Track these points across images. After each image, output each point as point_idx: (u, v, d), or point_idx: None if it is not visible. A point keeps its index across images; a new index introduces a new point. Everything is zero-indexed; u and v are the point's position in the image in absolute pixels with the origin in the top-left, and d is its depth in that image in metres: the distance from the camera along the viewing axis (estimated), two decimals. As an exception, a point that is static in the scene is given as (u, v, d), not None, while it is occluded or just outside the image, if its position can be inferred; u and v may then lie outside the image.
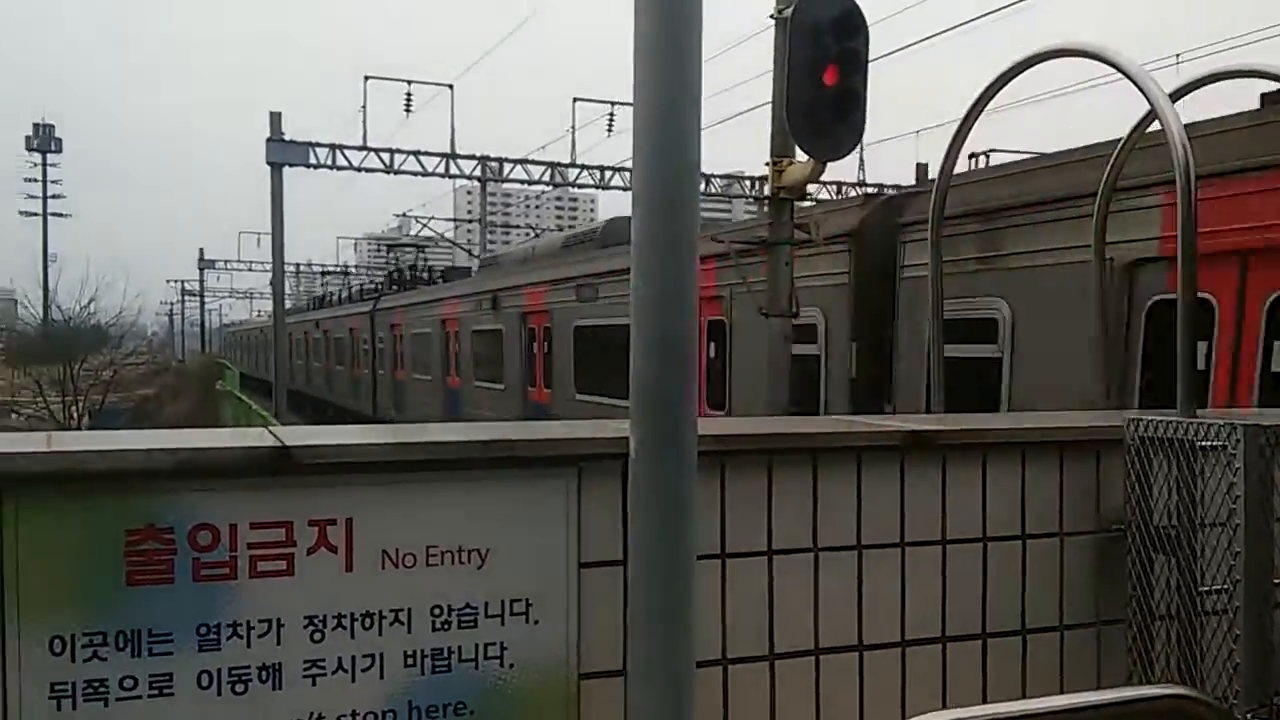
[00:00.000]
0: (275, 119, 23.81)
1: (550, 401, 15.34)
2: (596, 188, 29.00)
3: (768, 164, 8.44)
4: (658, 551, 2.25)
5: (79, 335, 44.42)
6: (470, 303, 19.31)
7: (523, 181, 28.88)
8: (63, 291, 49.77)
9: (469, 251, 40.17)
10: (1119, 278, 6.12)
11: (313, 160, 24.45)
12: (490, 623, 2.58)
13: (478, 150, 27.09)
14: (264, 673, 2.39)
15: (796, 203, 8.61)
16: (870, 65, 7.59)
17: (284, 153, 23.97)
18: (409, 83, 26.48)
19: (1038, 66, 3.92)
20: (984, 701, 3.00)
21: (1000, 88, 3.95)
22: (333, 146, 24.75)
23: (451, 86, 26.96)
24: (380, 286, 35.34)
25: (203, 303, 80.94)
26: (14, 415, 37.37)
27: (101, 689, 2.26)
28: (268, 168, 24.06)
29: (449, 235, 45.40)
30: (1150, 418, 3.01)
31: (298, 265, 62.74)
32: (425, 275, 33.14)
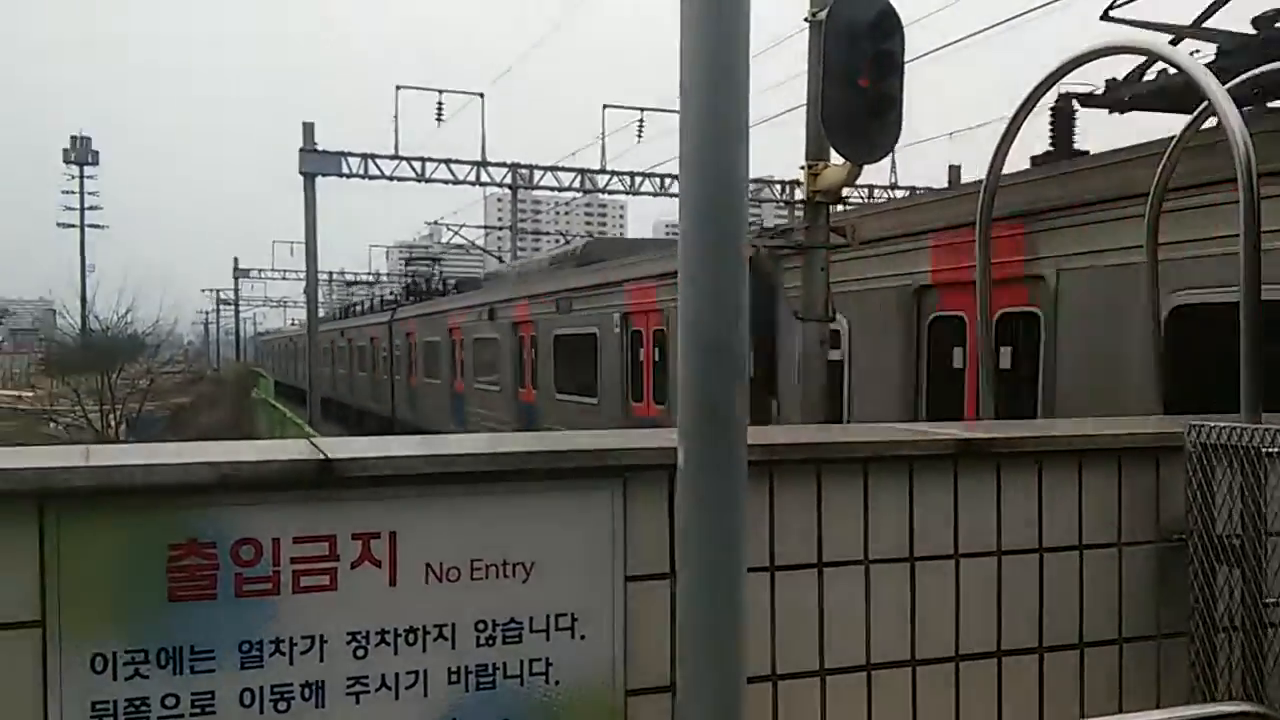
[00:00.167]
0: (309, 129, 23.96)
1: (536, 401, 16.98)
2: (626, 193, 29.00)
3: (802, 167, 8.35)
4: (707, 564, 2.19)
5: (116, 345, 44.86)
6: (473, 314, 20.89)
7: (553, 188, 28.91)
8: (100, 302, 50.34)
9: (499, 259, 40.29)
10: (909, 300, 8.24)
11: (345, 170, 24.58)
12: (535, 638, 2.52)
13: (508, 158, 27.15)
14: (307, 690, 2.34)
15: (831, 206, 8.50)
16: (906, 67, 7.49)
17: (317, 163, 24.12)
18: (440, 92, 26.59)
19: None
20: (1041, 719, 2.91)
21: (1049, 87, 3.87)
22: (365, 156, 24.88)
23: (482, 95, 27.03)
24: (399, 297, 37.04)
25: (237, 311, 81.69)
26: (52, 424, 37.78)
27: (143, 708, 2.22)
28: (299, 174, 24.22)
29: (479, 243, 45.53)
30: (1213, 424, 2.91)
31: (330, 274, 63.11)
32: (440, 287, 34.46)
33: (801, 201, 8.70)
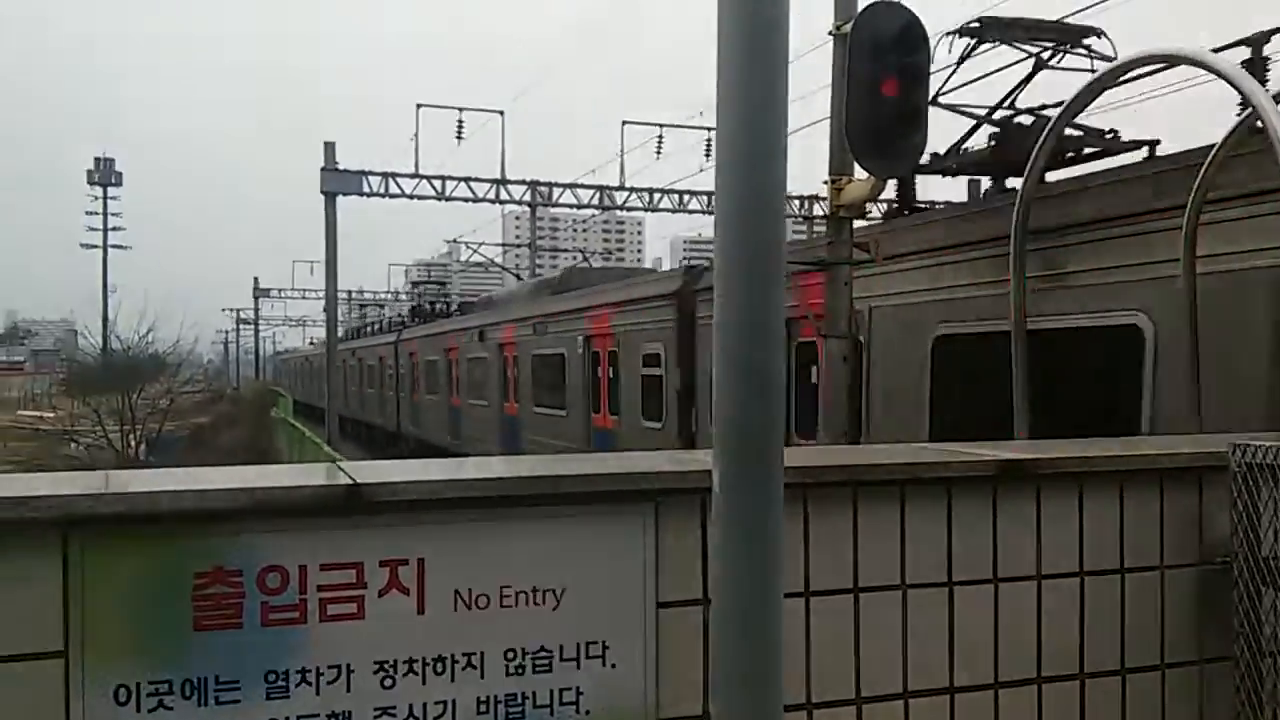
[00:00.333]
0: (329, 149, 24.04)
1: (518, 414, 18.92)
2: (645, 210, 29.01)
3: (826, 182, 8.30)
4: (742, 590, 2.13)
5: (137, 365, 45.10)
6: (467, 335, 22.90)
7: (572, 205, 28.95)
8: (121, 322, 50.61)
9: (518, 276, 40.41)
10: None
11: (366, 189, 24.64)
12: (565, 666, 2.47)
13: (528, 175, 27.20)
14: (334, 721, 2.29)
15: (854, 221, 8.44)
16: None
17: (338, 182, 24.19)
18: (460, 110, 26.68)
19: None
20: (1084, 746, 2.84)
21: (1089, 101, 3.80)
22: (385, 175, 24.95)
23: (502, 113, 27.11)
24: (405, 319, 39.01)
25: (257, 331, 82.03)
26: (73, 444, 37.95)
27: (168, 740, 2.17)
28: (321, 195, 24.30)
29: (498, 260, 45.65)
30: (1258, 443, 2.84)
31: (350, 292, 63.37)
32: (444, 308, 36.82)
33: (823, 216, 8.64)
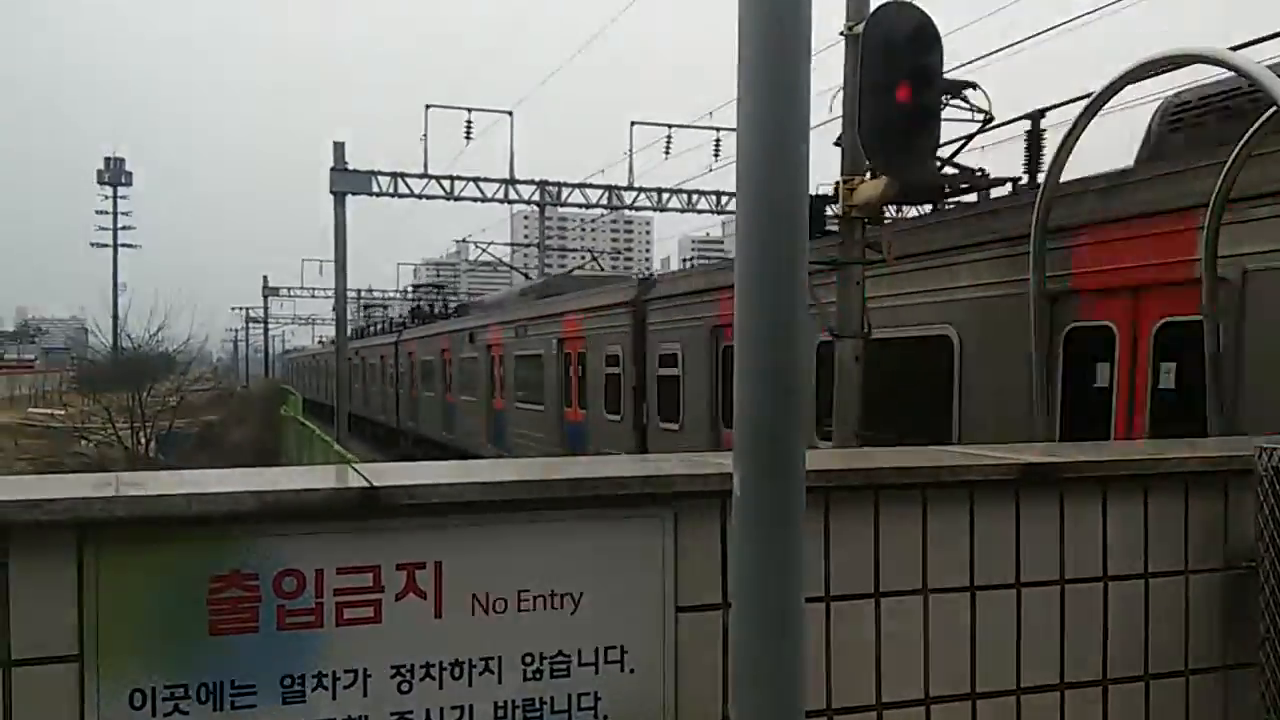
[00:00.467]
0: (339, 149, 24.08)
1: (504, 408, 20.67)
2: (653, 210, 28.99)
3: (838, 183, 8.25)
4: (763, 595, 2.10)
5: (147, 363, 45.20)
6: (459, 337, 24.55)
7: (581, 205, 28.95)
8: (132, 320, 50.73)
9: (526, 275, 40.45)
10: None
11: (375, 189, 24.68)
12: (583, 671, 2.44)
13: (536, 175, 27.20)
14: (350, 726, 2.27)
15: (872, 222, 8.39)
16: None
17: (347, 182, 24.22)
18: (469, 110, 26.66)
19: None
20: (1107, 753, 2.80)
21: (1108, 98, 3.76)
22: (395, 175, 24.98)
23: (511, 113, 27.10)
24: (405, 320, 40.96)
25: (266, 329, 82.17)
26: (83, 442, 38.03)
27: (183, 745, 2.15)
28: (329, 193, 24.33)
29: (506, 259, 45.64)
30: (1285, 447, 2.80)
31: (359, 291, 63.45)
32: (443, 310, 38.23)
33: (836, 217, 8.60)
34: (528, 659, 2.39)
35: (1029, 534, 2.76)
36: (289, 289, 68.86)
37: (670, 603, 2.49)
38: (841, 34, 8.08)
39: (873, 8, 7.67)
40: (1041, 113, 8.99)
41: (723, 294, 11.19)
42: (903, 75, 7.23)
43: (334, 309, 28.35)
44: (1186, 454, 2.97)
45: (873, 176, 7.99)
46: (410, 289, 56.64)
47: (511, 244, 56.29)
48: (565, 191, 28.07)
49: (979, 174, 8.43)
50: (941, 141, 7.54)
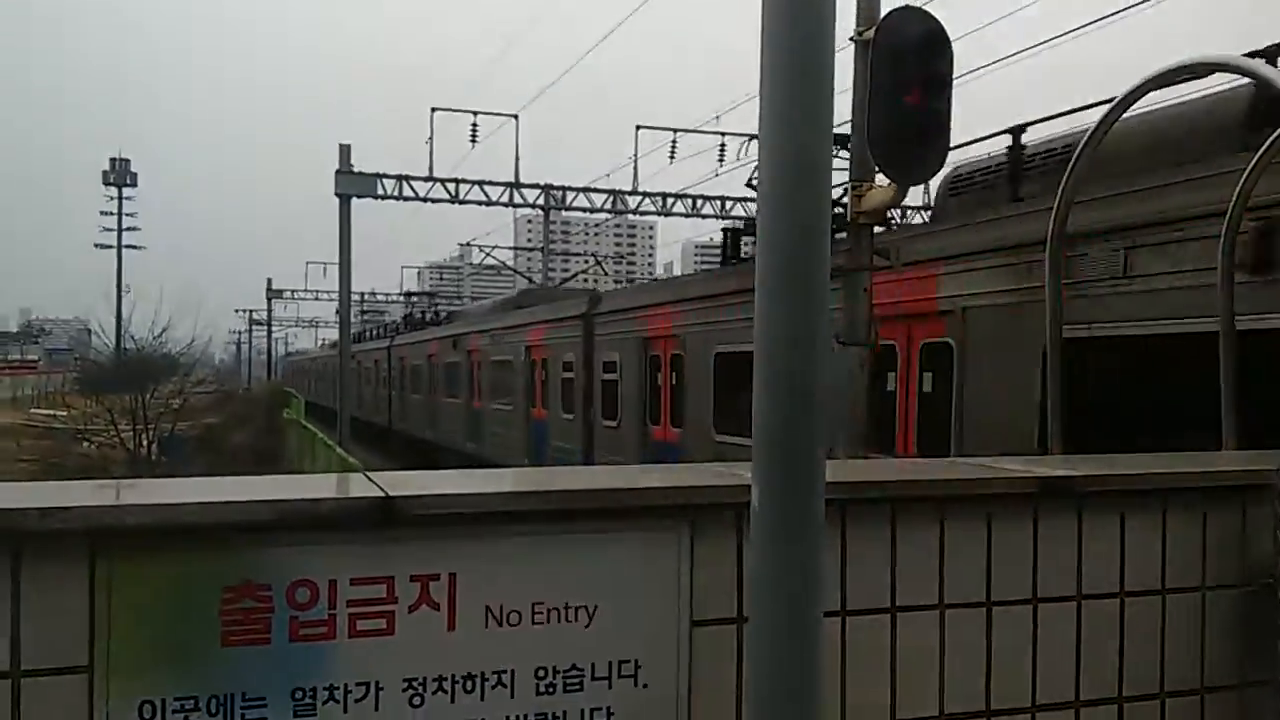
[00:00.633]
0: (344, 151, 24.10)
1: (481, 409, 23.00)
2: (658, 214, 28.98)
3: (846, 188, 8.24)
4: (781, 610, 2.08)
5: (150, 364, 45.18)
6: (445, 343, 26.88)
7: (585, 209, 28.95)
8: (136, 322, 50.66)
9: (529, 279, 40.48)
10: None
11: (380, 191, 24.69)
12: (597, 685, 2.41)
13: (541, 179, 27.21)
14: (362, 739, 2.24)
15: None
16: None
17: (352, 184, 24.24)
18: (475, 114, 26.67)
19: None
20: (1124, 771, 2.77)
21: (1125, 109, 3.74)
22: (400, 177, 24.99)
23: (516, 117, 27.10)
24: (399, 326, 43.57)
25: (269, 332, 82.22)
26: (85, 443, 38.00)
27: (193, 758, 2.12)
28: (334, 195, 24.34)
29: (510, 263, 45.64)
30: (1305, 463, 2.77)
31: (362, 294, 63.42)
32: (434, 317, 40.21)
33: (845, 221, 8.58)
34: (541, 672, 2.36)
35: (1046, 549, 2.74)
36: (292, 291, 68.91)
37: (685, 616, 2.47)
38: (851, 39, 8.07)
39: (883, 13, 7.68)
40: (1022, 128, 9.37)
41: (651, 311, 13.91)
42: (912, 81, 7.21)
43: (337, 311, 28.38)
44: (1207, 468, 2.95)
45: (881, 182, 7.97)
46: (405, 295, 58.43)
47: (515, 247, 56.35)
48: (570, 195, 28.08)
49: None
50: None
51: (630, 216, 31.75)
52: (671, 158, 28.26)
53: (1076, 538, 2.76)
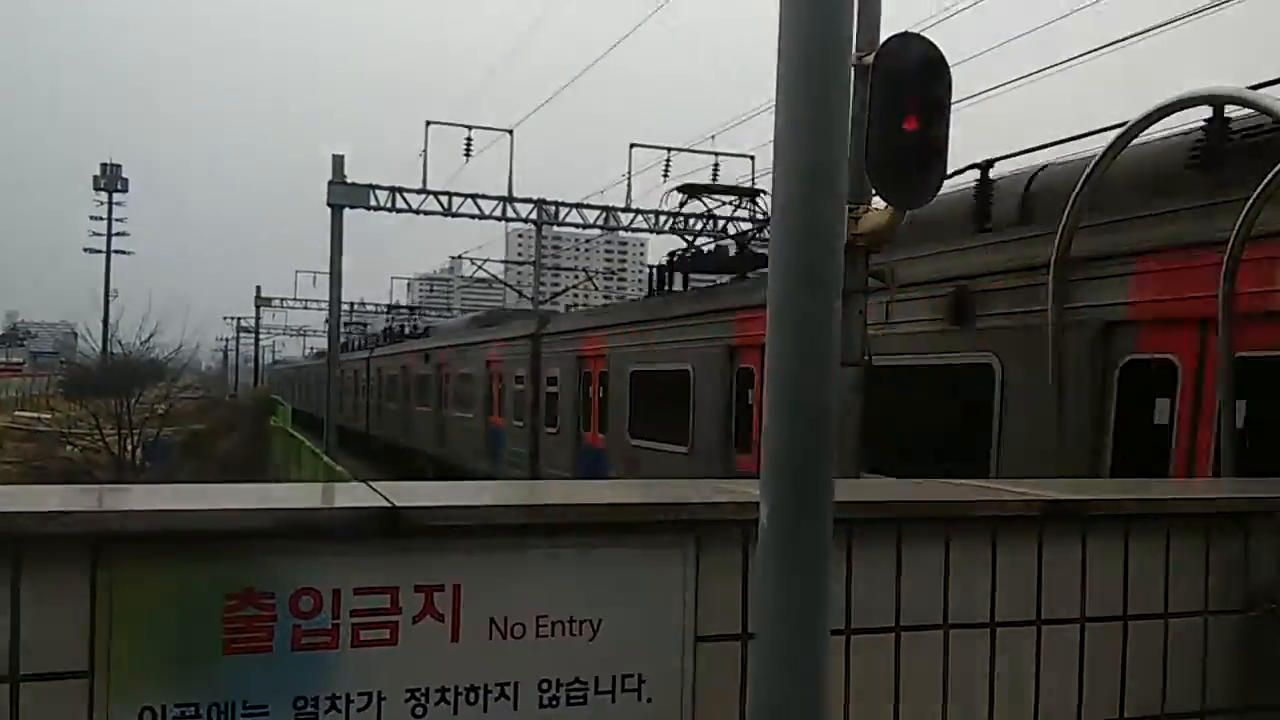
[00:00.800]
0: (338, 162, 24.02)
1: (448, 417, 24.99)
2: (650, 231, 28.97)
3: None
4: (788, 628, 2.06)
5: (136, 369, 44.91)
6: (419, 357, 28.84)
7: (578, 225, 28.92)
8: (123, 327, 50.36)
9: (520, 293, 40.49)
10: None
11: (373, 202, 24.61)
12: (600, 699, 2.39)
13: (534, 194, 27.17)
14: (364, 751, 2.21)
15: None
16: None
17: (345, 195, 24.15)
18: (469, 128, 26.65)
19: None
20: (1124, 795, 2.76)
21: (1130, 139, 3.75)
22: (393, 189, 24.91)
23: (511, 132, 27.09)
24: (379, 339, 45.89)
25: (257, 340, 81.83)
26: (69, 446, 37.74)
27: (193, 766, 2.09)
28: (325, 204, 24.26)
29: (500, 277, 45.63)
30: (1309, 490, 2.78)
31: (351, 305, 63.24)
32: (414, 331, 42.26)
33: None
34: (544, 685, 2.34)
35: (1051, 571, 2.73)
36: (281, 299, 68.67)
37: (690, 632, 2.45)
38: (851, 64, 8.07)
39: (882, 39, 7.70)
40: (990, 163, 9.48)
41: (585, 334, 16.31)
42: (911, 106, 7.23)
43: (327, 321, 28.29)
44: (1212, 494, 2.95)
45: (878, 205, 7.98)
46: (388, 308, 59.79)
47: (506, 261, 56.30)
48: (563, 211, 28.06)
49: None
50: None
51: (620, 233, 31.76)
52: (665, 175, 28.31)
53: (1080, 561, 2.76)
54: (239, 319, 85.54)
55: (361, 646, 2.20)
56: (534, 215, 27.83)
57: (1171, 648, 2.86)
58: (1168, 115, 3.72)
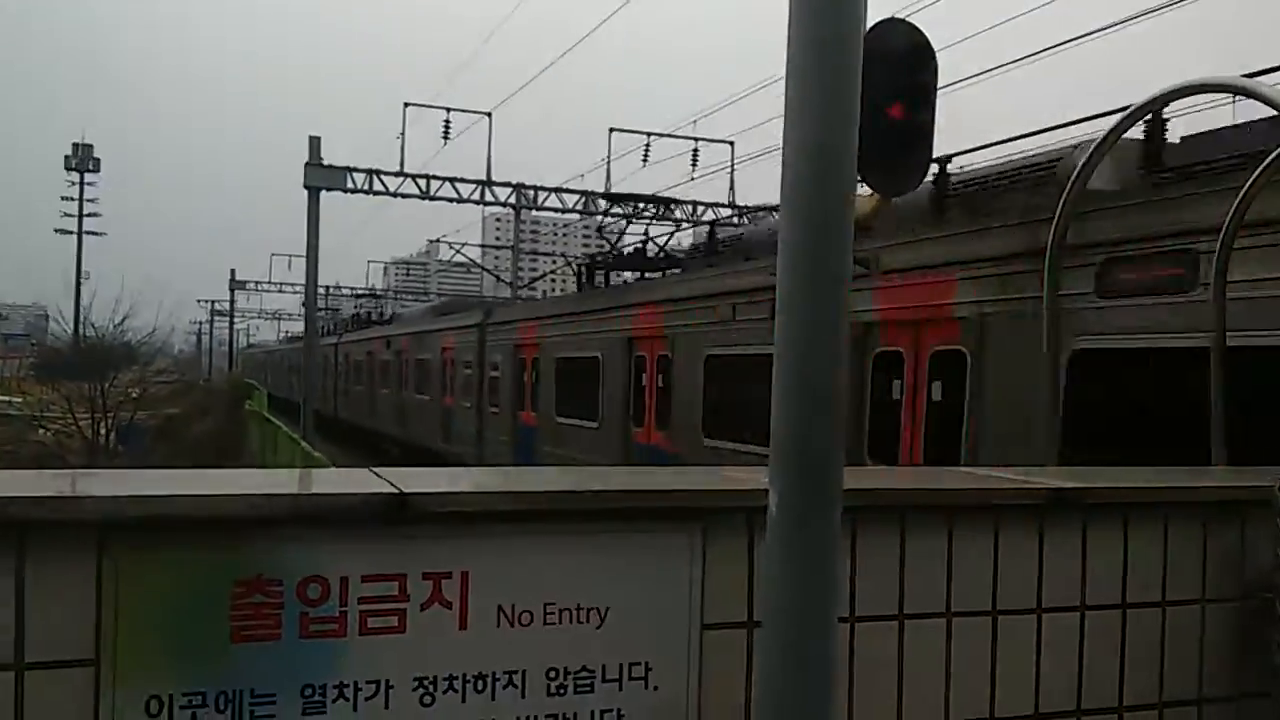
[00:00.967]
0: (314, 144, 23.82)
1: (408, 398, 26.97)
2: (628, 218, 28.89)
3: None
4: (796, 615, 2.06)
5: (109, 352, 44.52)
6: (380, 343, 31.49)
7: (557, 209, 28.84)
8: (96, 310, 49.91)
9: (497, 277, 40.40)
10: None
11: (350, 185, 24.45)
12: (607, 687, 2.39)
13: (513, 178, 27.06)
14: (371, 738, 2.20)
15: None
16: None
17: (322, 177, 23.97)
18: (448, 110, 26.51)
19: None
20: (1122, 780, 2.79)
21: (1126, 129, 3.77)
22: (370, 172, 24.76)
23: (490, 115, 26.95)
24: (347, 324, 47.77)
25: (232, 323, 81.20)
26: (41, 430, 37.39)
27: (200, 755, 2.08)
28: (301, 185, 24.06)
29: (478, 261, 45.46)
30: (1306, 479, 2.81)
31: (327, 288, 62.87)
32: (379, 317, 44.67)
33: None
34: (552, 673, 2.33)
35: (1052, 559, 2.74)
36: (255, 283, 68.19)
37: (696, 620, 2.45)
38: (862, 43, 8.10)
39: (868, 25, 7.71)
40: (948, 158, 10.24)
41: (520, 324, 18.50)
42: (897, 93, 7.24)
43: (304, 304, 28.10)
44: (1209, 483, 2.97)
45: (863, 192, 8.01)
46: (356, 294, 61.18)
47: (483, 245, 56.10)
48: (542, 195, 27.96)
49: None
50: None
51: (600, 218, 31.69)
52: (644, 160, 28.26)
53: (1081, 549, 2.77)
54: (213, 302, 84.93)
55: (369, 634, 2.19)
56: (513, 199, 27.72)
57: (1169, 636, 2.88)
58: (1170, 102, 3.73)
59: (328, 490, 2.19)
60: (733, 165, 28.00)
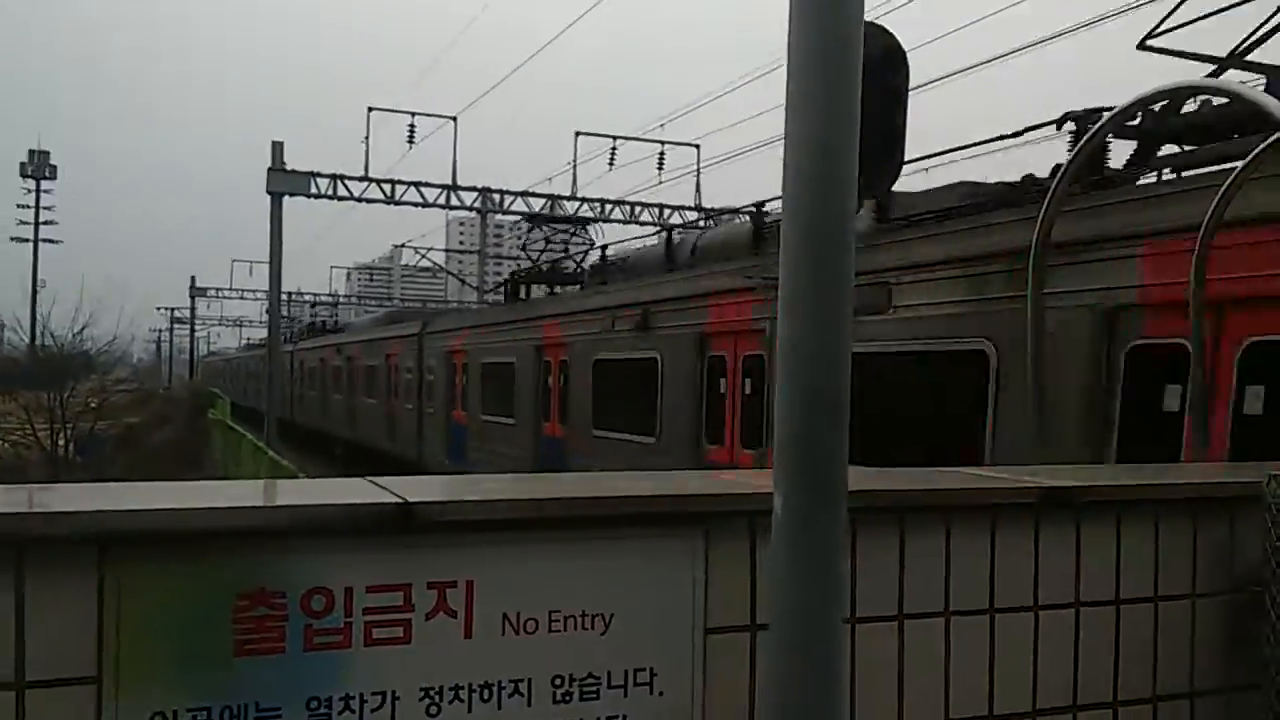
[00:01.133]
0: (277, 149, 23.64)
1: (358, 403, 28.74)
2: (596, 221, 28.90)
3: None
4: (801, 618, 2.06)
5: (68, 361, 43.88)
6: (331, 350, 33.58)
7: (523, 214, 28.76)
8: (54, 318, 49.10)
9: (462, 281, 40.20)
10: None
11: (314, 190, 24.28)
12: (613, 693, 2.38)
13: (479, 182, 26.97)
14: (378, 751, 2.18)
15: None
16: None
17: (285, 182, 23.80)
18: (412, 115, 26.38)
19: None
20: (1118, 774, 2.81)
21: (1109, 130, 3.81)
22: (334, 176, 24.60)
23: (455, 119, 26.85)
24: (303, 332, 49.77)
25: (192, 331, 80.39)
26: (-1, 441, 36.72)
27: (207, 771, 2.05)
28: (263, 189, 23.87)
29: (444, 265, 45.21)
30: (1295, 474, 2.85)
31: (289, 294, 62.33)
32: (333, 326, 46.95)
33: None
34: (558, 681, 2.32)
35: (1047, 557, 2.77)
36: (216, 289, 67.52)
37: (699, 624, 2.44)
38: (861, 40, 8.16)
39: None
40: (762, 203, 11.57)
41: (451, 333, 20.20)
42: (871, 96, 7.29)
43: (267, 311, 27.89)
44: (1199, 479, 3.01)
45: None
46: (312, 303, 62.75)
47: (447, 249, 55.82)
48: (507, 199, 27.90)
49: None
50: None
51: (533, 232, 31.65)
52: (610, 164, 28.27)
53: (1075, 547, 2.79)
54: (173, 309, 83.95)
55: (374, 645, 2.16)
56: (478, 203, 27.64)
57: (1161, 631, 2.91)
58: (1158, 103, 3.77)
59: (331, 501, 2.17)
60: (698, 167, 28.08)
